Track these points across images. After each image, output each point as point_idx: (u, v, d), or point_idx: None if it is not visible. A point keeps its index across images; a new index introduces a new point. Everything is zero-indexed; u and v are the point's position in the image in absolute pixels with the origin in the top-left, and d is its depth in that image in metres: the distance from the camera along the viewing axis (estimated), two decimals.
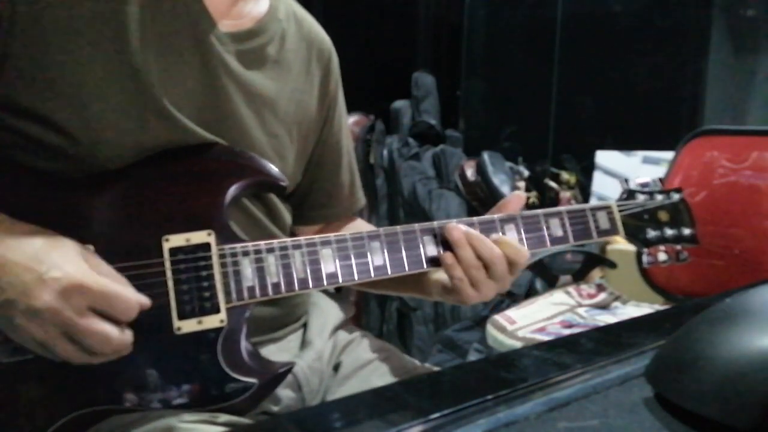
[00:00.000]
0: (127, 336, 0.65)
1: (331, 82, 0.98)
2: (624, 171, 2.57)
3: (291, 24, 0.92)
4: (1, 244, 0.62)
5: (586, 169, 2.80)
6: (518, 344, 1.57)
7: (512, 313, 1.74)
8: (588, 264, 2.00)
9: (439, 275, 0.87)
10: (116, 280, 0.66)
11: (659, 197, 0.95)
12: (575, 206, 0.90)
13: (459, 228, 0.81)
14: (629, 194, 0.95)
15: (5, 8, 0.70)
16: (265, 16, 0.87)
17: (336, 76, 1.00)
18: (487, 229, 0.84)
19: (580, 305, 1.78)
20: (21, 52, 0.71)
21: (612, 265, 1.88)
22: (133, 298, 0.65)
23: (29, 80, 0.71)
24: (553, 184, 2.89)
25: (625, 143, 2.66)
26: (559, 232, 0.88)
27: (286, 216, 0.91)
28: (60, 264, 0.62)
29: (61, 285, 0.60)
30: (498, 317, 1.72)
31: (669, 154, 1.77)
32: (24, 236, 0.64)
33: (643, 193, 0.95)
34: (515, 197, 0.88)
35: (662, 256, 0.94)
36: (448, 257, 0.80)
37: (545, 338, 1.55)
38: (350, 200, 1.03)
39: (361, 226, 1.05)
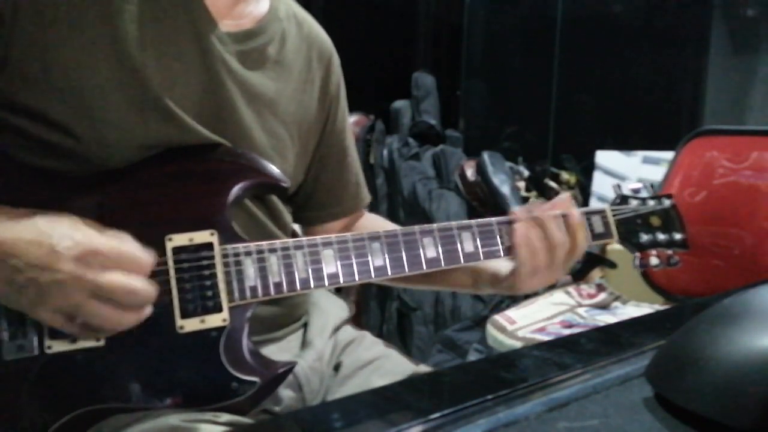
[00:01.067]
0: (152, 288, 0.65)
1: (332, 83, 0.98)
2: (624, 171, 2.57)
3: (291, 24, 0.92)
4: (3, 228, 0.62)
5: (586, 169, 2.80)
6: (518, 344, 1.57)
7: (512, 313, 1.75)
8: (588, 264, 2.00)
9: (493, 264, 0.89)
10: (124, 240, 0.66)
11: (651, 202, 0.97)
12: None
13: (524, 211, 0.85)
14: (622, 199, 0.97)
15: (7, 8, 0.70)
16: (266, 17, 0.88)
17: (337, 76, 1.00)
18: (485, 231, 0.85)
19: (580, 305, 1.78)
20: (23, 52, 0.71)
21: (612, 265, 1.88)
22: (144, 254, 0.66)
23: (31, 80, 0.71)
24: (553, 184, 2.89)
25: (625, 143, 2.66)
26: None
27: (287, 217, 0.92)
28: (68, 233, 0.62)
29: (76, 252, 0.61)
30: (498, 317, 1.72)
31: (669, 154, 1.77)
32: (24, 217, 0.64)
33: (635, 198, 0.97)
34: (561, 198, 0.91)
35: (654, 260, 0.96)
36: (519, 236, 0.84)
37: (545, 338, 1.55)
38: (356, 198, 1.04)
39: (374, 220, 1.06)
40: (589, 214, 0.92)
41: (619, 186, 0.98)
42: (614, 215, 0.94)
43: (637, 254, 0.96)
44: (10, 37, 0.71)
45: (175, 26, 0.77)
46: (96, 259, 0.62)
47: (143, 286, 0.64)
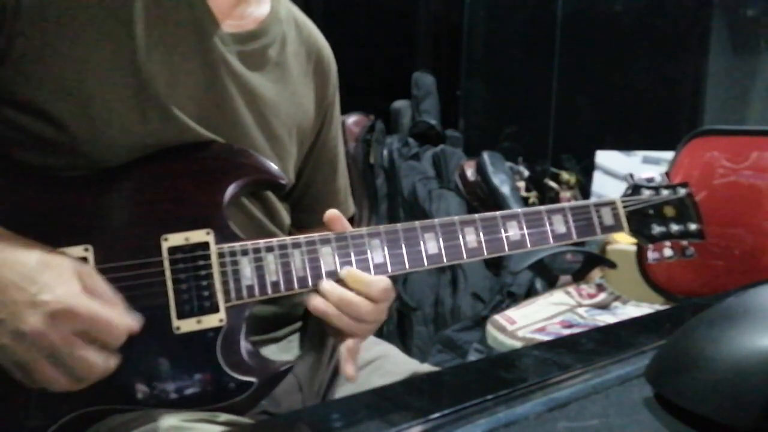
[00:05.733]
0: (112, 362, 0.65)
1: (330, 88, 0.98)
2: (624, 171, 2.57)
3: (291, 28, 0.92)
4: None
5: (586, 169, 2.80)
6: (518, 344, 1.57)
7: (512, 313, 1.75)
8: (588, 264, 2.00)
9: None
10: (109, 302, 0.65)
11: (665, 192, 0.93)
12: (579, 202, 0.89)
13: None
14: (634, 189, 0.93)
15: (10, 2, 0.70)
16: (267, 19, 0.87)
17: (334, 82, 0.99)
18: (489, 226, 0.83)
19: (580, 305, 1.78)
20: (24, 47, 0.71)
21: (612, 265, 1.88)
22: (122, 324, 0.65)
23: (31, 75, 0.71)
24: (553, 184, 2.89)
25: (625, 143, 2.65)
26: (562, 229, 0.87)
27: (285, 215, 0.91)
28: (52, 285, 0.61)
29: (50, 308, 0.60)
30: (498, 317, 1.73)
31: (669, 154, 1.76)
32: (19, 251, 0.63)
33: (648, 188, 0.93)
34: (330, 217, 0.79)
35: (668, 252, 0.93)
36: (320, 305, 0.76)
37: (545, 338, 1.55)
38: (342, 206, 1.03)
39: None
40: (597, 206, 0.89)
41: (631, 176, 0.95)
42: (625, 206, 0.91)
43: (651, 246, 0.92)
44: (11, 31, 0.70)
45: (179, 25, 0.77)
46: (68, 321, 0.61)
47: (102, 364, 0.63)
